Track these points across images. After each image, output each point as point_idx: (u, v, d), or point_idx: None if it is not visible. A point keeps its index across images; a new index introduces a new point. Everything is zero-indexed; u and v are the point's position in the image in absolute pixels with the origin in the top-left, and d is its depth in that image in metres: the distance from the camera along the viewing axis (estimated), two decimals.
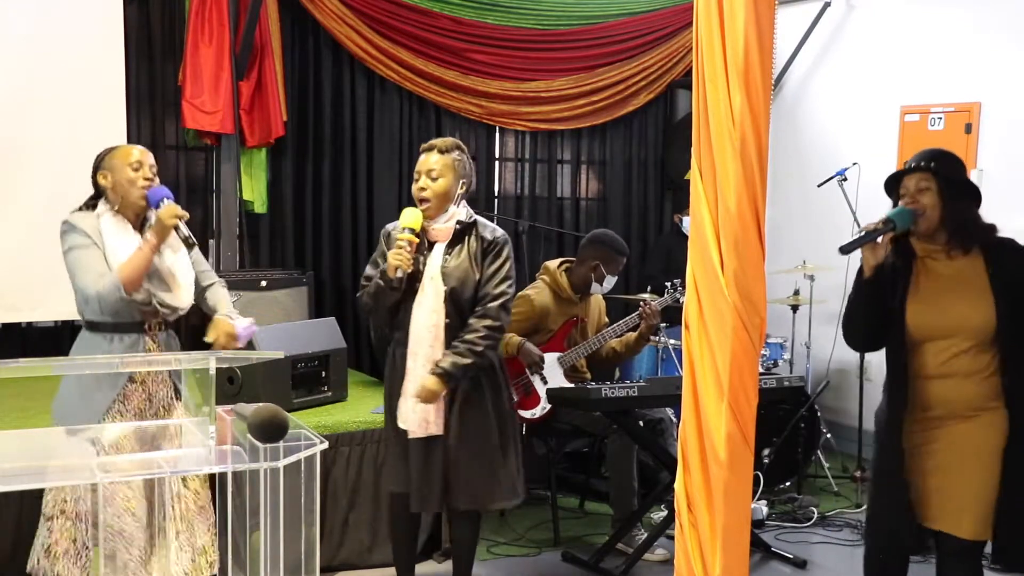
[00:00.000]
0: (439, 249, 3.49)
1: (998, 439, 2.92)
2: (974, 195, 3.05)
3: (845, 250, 3.01)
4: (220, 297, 3.38)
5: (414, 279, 3.45)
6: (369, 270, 3.59)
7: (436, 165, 3.46)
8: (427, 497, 3.47)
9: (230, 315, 3.27)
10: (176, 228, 3.10)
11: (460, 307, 3.47)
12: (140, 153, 3.23)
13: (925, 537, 3.05)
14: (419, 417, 3.42)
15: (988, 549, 3.02)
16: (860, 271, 3.08)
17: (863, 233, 2.99)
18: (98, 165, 3.26)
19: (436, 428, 3.44)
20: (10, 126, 4.69)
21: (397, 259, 3.36)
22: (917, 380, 3.01)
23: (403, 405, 3.46)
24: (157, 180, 3.24)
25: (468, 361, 3.41)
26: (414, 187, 3.51)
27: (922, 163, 3.01)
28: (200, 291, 3.36)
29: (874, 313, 3.05)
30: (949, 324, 2.95)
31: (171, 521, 3.08)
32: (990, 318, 2.91)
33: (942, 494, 2.96)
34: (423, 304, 3.44)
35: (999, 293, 2.93)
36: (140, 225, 3.23)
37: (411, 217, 3.45)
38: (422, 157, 3.52)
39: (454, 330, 3.45)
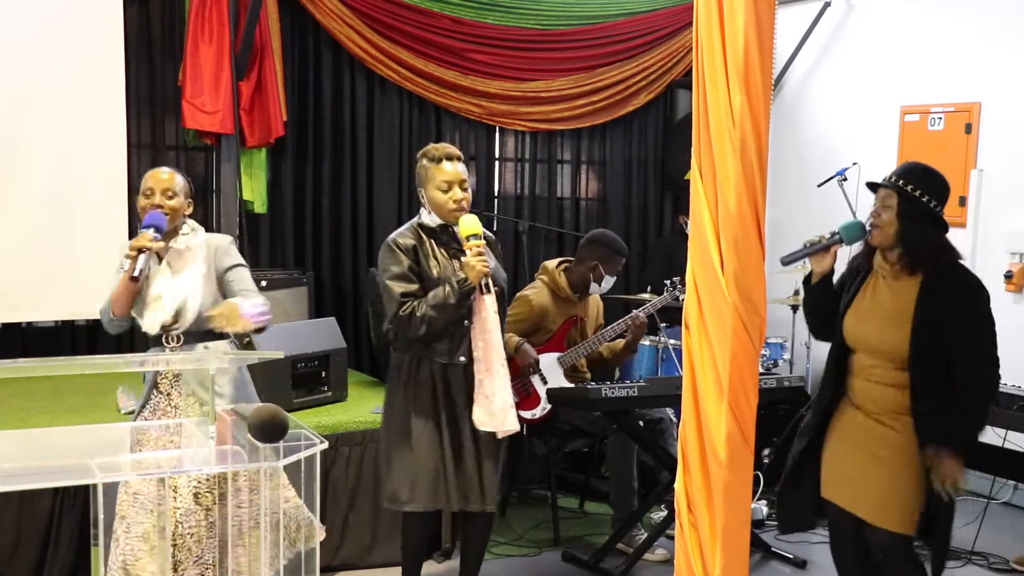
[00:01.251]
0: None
1: (909, 439, 2.99)
2: (934, 220, 3.06)
3: (785, 262, 3.18)
4: (242, 295, 3.31)
5: (433, 283, 3.44)
6: (403, 286, 3.39)
7: (465, 175, 3.47)
8: (481, 493, 3.49)
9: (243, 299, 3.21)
10: (134, 258, 3.06)
11: (503, 304, 3.54)
12: (152, 179, 3.26)
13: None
14: (509, 414, 3.42)
15: None
16: (808, 278, 3.25)
17: (808, 246, 3.15)
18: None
19: (514, 422, 3.46)
20: (10, 126, 4.69)
21: (485, 266, 3.35)
22: (849, 375, 3.14)
23: (496, 407, 3.41)
24: (176, 201, 3.24)
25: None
26: (444, 196, 3.41)
27: (892, 179, 3.07)
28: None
29: (823, 311, 3.23)
30: (869, 343, 3.08)
31: (181, 539, 3.06)
32: (903, 345, 2.98)
33: (856, 482, 3.08)
34: (489, 306, 3.41)
35: (920, 320, 2.97)
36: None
37: (474, 224, 3.42)
38: (450, 166, 3.43)
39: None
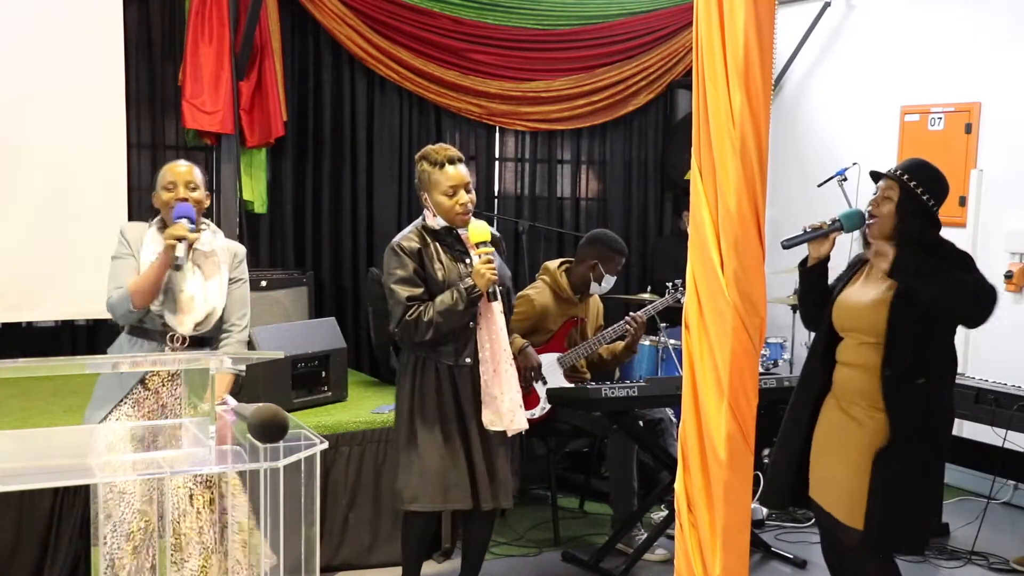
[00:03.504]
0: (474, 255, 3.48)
1: (876, 427, 3.01)
2: (929, 217, 3.08)
3: (786, 245, 3.21)
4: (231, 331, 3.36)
5: (439, 287, 3.44)
6: (409, 290, 3.39)
7: (468, 177, 3.47)
8: (495, 492, 3.50)
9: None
10: (174, 247, 3.08)
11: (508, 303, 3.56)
12: (174, 171, 3.24)
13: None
14: (515, 411, 3.44)
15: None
16: (804, 262, 3.29)
17: (808, 230, 3.19)
18: (153, 184, 3.31)
19: (522, 421, 3.49)
20: (10, 126, 4.68)
21: (494, 274, 3.36)
22: (836, 365, 3.17)
23: (504, 407, 3.43)
24: (199, 193, 3.24)
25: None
26: (449, 201, 3.41)
27: (896, 172, 3.10)
28: (219, 329, 3.33)
29: (815, 298, 3.27)
30: (853, 317, 3.11)
31: (176, 539, 3.06)
32: (883, 314, 3.02)
33: (819, 468, 3.13)
34: (495, 309, 3.43)
35: (900, 291, 3.01)
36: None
37: (484, 230, 3.43)
38: (451, 169, 3.42)
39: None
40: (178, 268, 3.12)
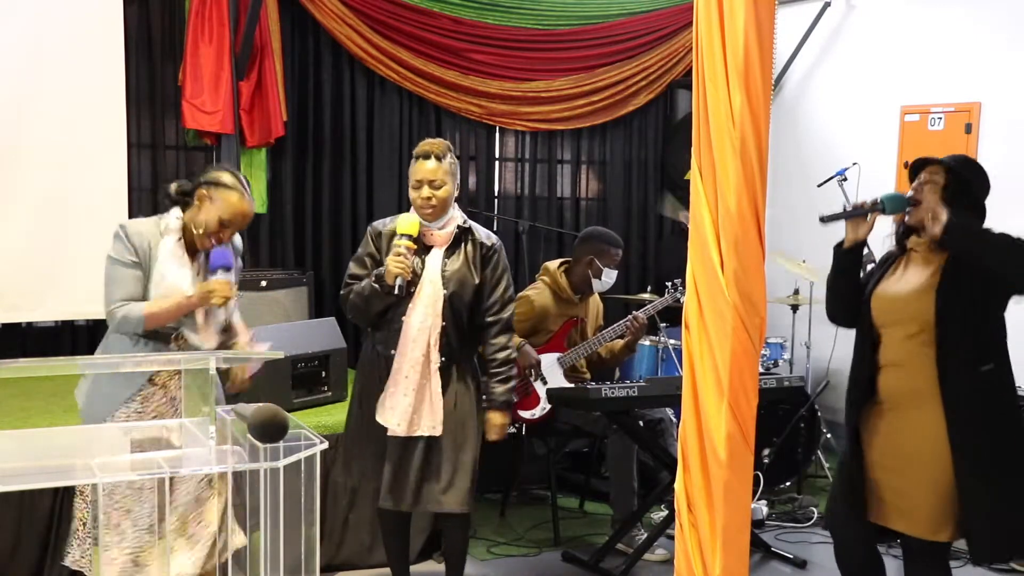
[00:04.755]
0: (437, 253, 3.49)
1: (940, 431, 2.87)
2: (976, 207, 3.02)
3: (826, 220, 3.03)
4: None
5: (410, 282, 3.44)
6: (354, 268, 3.55)
7: (439, 174, 3.44)
8: (400, 494, 3.47)
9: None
10: (209, 298, 3.05)
11: (457, 311, 3.47)
12: (237, 215, 3.12)
13: (879, 532, 3.04)
14: (404, 415, 3.42)
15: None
16: (840, 244, 3.12)
17: (850, 208, 3.04)
18: (207, 182, 3.12)
19: (437, 430, 3.44)
20: (10, 126, 4.68)
21: (398, 267, 3.34)
22: (877, 368, 3.03)
23: (387, 402, 3.46)
24: (235, 238, 3.22)
25: (513, 383, 3.57)
26: (415, 194, 3.46)
27: (944, 159, 3.00)
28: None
29: (847, 284, 3.11)
30: (899, 309, 2.97)
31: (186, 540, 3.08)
32: (930, 303, 2.89)
33: (894, 491, 2.95)
34: (419, 307, 3.43)
35: (945, 278, 2.90)
36: (193, 252, 3.16)
37: (409, 224, 3.44)
38: (420, 164, 3.45)
39: (448, 334, 3.46)
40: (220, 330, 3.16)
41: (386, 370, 3.48)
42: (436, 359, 3.43)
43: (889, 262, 3.12)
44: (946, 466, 2.86)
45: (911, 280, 2.99)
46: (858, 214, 3.02)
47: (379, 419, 3.47)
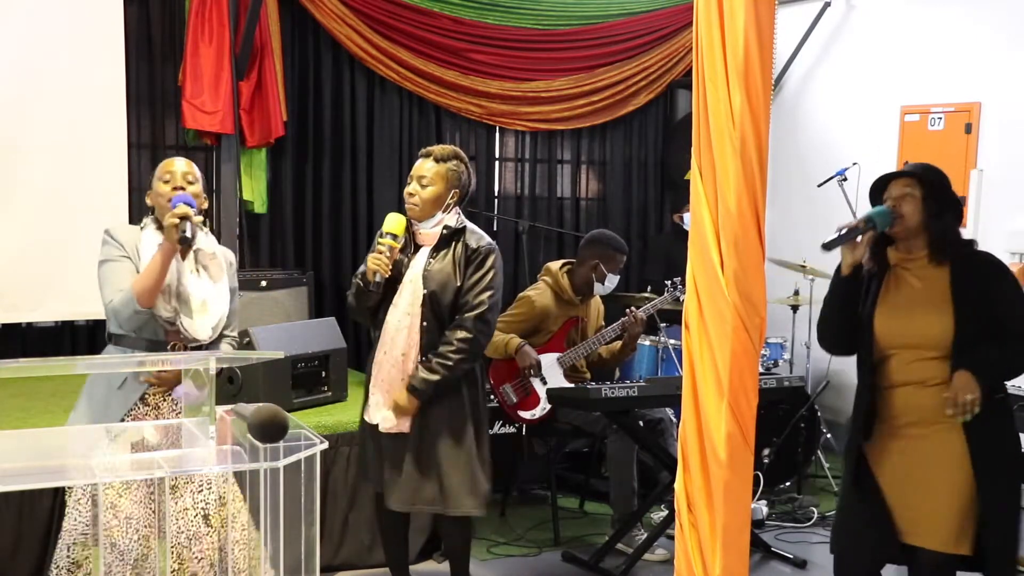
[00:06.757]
0: (424, 252, 3.50)
1: (959, 447, 2.90)
2: (956, 211, 3.03)
3: (828, 247, 2.99)
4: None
5: (395, 280, 3.47)
6: (362, 266, 3.61)
7: (428, 173, 3.46)
8: (393, 493, 3.48)
9: None
10: (176, 227, 2.96)
11: (439, 311, 3.45)
12: (172, 164, 3.15)
13: (896, 550, 3.01)
14: (385, 414, 3.46)
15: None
16: (838, 270, 3.08)
17: (845, 231, 2.98)
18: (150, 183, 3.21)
19: (404, 426, 3.45)
20: (10, 126, 4.69)
21: (376, 264, 3.40)
22: (884, 390, 3.01)
23: (371, 399, 3.51)
24: (197, 187, 3.15)
25: (437, 377, 3.38)
26: (405, 189, 3.53)
27: (911, 170, 3.02)
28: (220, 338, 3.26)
29: (848, 314, 3.06)
30: (913, 334, 2.96)
31: (192, 563, 3.03)
32: (948, 328, 2.90)
33: (914, 507, 2.95)
34: (398, 305, 3.46)
35: (959, 304, 2.91)
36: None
37: (393, 222, 3.48)
38: (418, 162, 3.53)
39: (430, 333, 3.44)
40: (186, 244, 2.98)
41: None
42: (415, 357, 3.44)
43: (874, 281, 3.07)
44: (967, 478, 2.88)
45: (918, 301, 2.97)
46: (853, 236, 2.99)
47: (366, 417, 3.54)
